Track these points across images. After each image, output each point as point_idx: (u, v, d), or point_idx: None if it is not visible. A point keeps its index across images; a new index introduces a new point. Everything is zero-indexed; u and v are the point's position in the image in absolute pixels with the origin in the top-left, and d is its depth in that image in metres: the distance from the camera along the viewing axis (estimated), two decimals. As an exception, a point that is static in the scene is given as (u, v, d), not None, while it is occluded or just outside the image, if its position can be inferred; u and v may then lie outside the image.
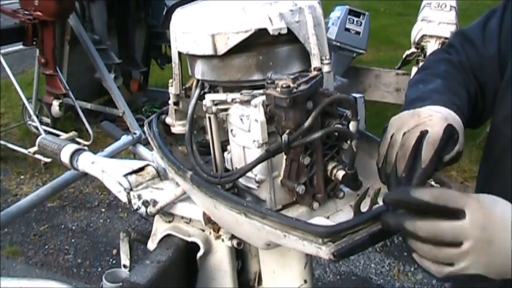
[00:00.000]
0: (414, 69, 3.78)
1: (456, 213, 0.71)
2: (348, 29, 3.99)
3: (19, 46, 4.02)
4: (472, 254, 0.70)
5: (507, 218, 0.72)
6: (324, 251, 0.71)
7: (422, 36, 3.65)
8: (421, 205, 0.71)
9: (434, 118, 0.90)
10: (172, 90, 1.02)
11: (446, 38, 3.54)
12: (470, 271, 0.72)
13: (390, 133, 0.91)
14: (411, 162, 0.85)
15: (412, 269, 3.00)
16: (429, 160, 0.85)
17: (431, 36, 3.61)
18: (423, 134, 0.87)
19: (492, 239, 0.71)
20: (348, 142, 0.85)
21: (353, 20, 4.01)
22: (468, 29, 1.14)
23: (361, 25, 4.03)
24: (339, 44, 3.96)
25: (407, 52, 3.84)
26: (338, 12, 4.04)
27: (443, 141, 0.86)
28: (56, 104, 3.95)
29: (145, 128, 1.09)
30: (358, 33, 4.01)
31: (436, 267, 0.73)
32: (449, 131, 0.88)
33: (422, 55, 3.69)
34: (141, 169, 1.10)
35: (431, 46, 3.58)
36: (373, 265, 3.05)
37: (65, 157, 1.22)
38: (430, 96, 1.01)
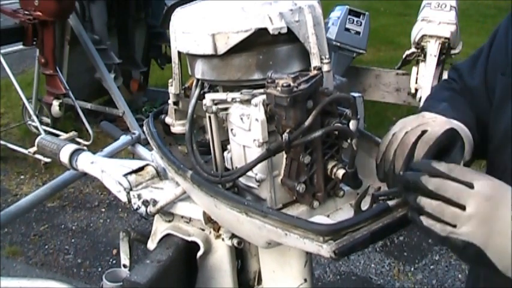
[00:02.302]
0: (414, 69, 3.78)
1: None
2: (348, 29, 3.99)
3: (19, 46, 4.02)
4: (473, 220, 0.72)
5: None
6: (325, 249, 0.72)
7: (423, 36, 3.65)
8: (437, 174, 0.75)
9: (438, 120, 0.90)
10: (172, 90, 1.02)
11: (446, 38, 3.54)
12: (470, 238, 0.72)
13: (392, 132, 0.91)
14: (408, 160, 0.85)
15: (412, 269, 3.00)
16: (420, 159, 0.85)
17: (431, 36, 3.61)
18: (423, 133, 0.87)
19: (495, 211, 0.72)
20: (348, 141, 0.85)
21: (353, 20, 4.01)
22: (460, 63, 1.16)
23: (361, 25, 4.02)
24: (339, 44, 3.96)
25: (407, 52, 3.83)
26: (338, 12, 4.03)
27: (438, 139, 0.86)
28: (56, 104, 3.95)
29: (144, 128, 1.09)
30: (358, 33, 4.01)
31: (441, 225, 0.74)
32: (451, 134, 0.88)
33: (422, 55, 3.69)
34: (141, 169, 1.10)
35: (431, 46, 3.58)
36: (373, 265, 3.05)
37: (64, 157, 1.22)
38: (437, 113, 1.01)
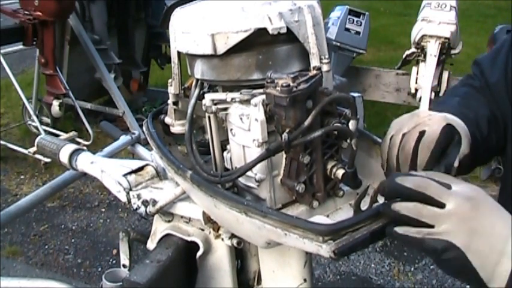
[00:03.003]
0: (414, 69, 3.78)
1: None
2: (348, 29, 3.99)
3: (19, 46, 4.02)
4: (453, 217, 0.69)
5: (495, 205, 0.72)
6: (325, 249, 0.71)
7: (423, 36, 3.64)
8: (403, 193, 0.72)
9: (434, 118, 0.89)
10: (172, 90, 1.02)
11: (446, 38, 3.54)
12: (450, 237, 0.68)
13: (389, 135, 0.91)
14: (413, 167, 0.85)
15: (412, 269, 3.00)
16: (425, 163, 0.84)
17: (431, 36, 3.61)
18: (421, 134, 0.86)
19: (475, 211, 0.69)
20: (348, 141, 0.85)
21: (353, 20, 4.01)
22: (481, 57, 1.14)
23: (361, 25, 4.02)
24: (338, 44, 3.96)
25: (407, 52, 3.83)
26: (338, 12, 4.03)
27: (439, 141, 0.85)
28: (56, 104, 3.95)
29: (144, 128, 1.09)
30: (358, 33, 4.01)
31: (416, 229, 0.70)
32: (449, 131, 0.87)
33: (422, 55, 3.69)
34: (141, 169, 1.10)
35: (431, 46, 3.57)
36: (373, 265, 3.05)
37: (63, 157, 1.22)
38: (440, 108, 1.00)
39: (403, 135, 0.88)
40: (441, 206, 0.70)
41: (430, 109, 1.02)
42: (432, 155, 0.84)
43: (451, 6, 3.66)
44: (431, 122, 0.88)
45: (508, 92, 1.04)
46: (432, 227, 0.70)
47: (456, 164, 0.84)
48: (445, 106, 1.01)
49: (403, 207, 0.71)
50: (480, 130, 1.00)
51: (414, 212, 0.71)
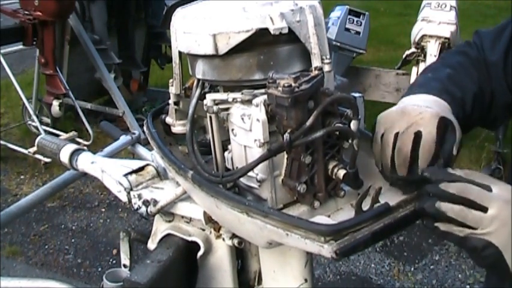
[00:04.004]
0: (414, 69, 3.78)
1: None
2: (348, 29, 3.99)
3: (19, 46, 4.02)
4: (496, 221, 0.74)
5: None
6: (326, 250, 0.72)
7: (423, 36, 3.65)
8: (456, 179, 0.78)
9: (425, 116, 0.88)
10: (173, 90, 1.02)
11: (446, 38, 3.54)
12: (492, 238, 0.74)
13: (379, 133, 0.90)
14: (414, 168, 0.86)
15: (412, 269, 3.00)
16: (428, 162, 0.86)
17: (431, 36, 3.61)
18: (417, 136, 0.86)
19: None
20: (349, 141, 0.85)
21: (353, 20, 4.00)
22: (484, 32, 1.14)
23: (361, 25, 4.02)
24: (339, 44, 3.95)
25: (407, 52, 3.83)
26: (338, 12, 4.03)
27: (438, 144, 0.86)
28: (56, 104, 3.94)
29: (145, 128, 1.09)
30: (358, 33, 4.01)
31: (460, 228, 0.76)
32: (443, 125, 0.87)
33: (422, 55, 3.69)
34: (141, 169, 1.10)
35: (431, 46, 3.58)
36: (373, 265, 3.05)
37: (64, 157, 1.21)
38: (428, 84, 1.01)
39: (396, 134, 0.88)
40: (483, 209, 0.75)
41: (418, 81, 1.03)
42: (434, 156, 0.85)
43: (451, 6, 3.66)
44: (424, 121, 0.88)
45: (506, 76, 1.05)
46: (474, 228, 0.75)
47: (455, 152, 0.87)
48: (434, 83, 1.01)
49: (449, 209, 0.76)
50: (464, 109, 1.01)
51: (461, 215, 0.76)
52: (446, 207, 0.76)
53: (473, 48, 1.12)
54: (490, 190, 0.76)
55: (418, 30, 3.67)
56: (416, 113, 0.89)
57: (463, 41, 1.17)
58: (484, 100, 1.06)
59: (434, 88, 0.98)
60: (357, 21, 4.02)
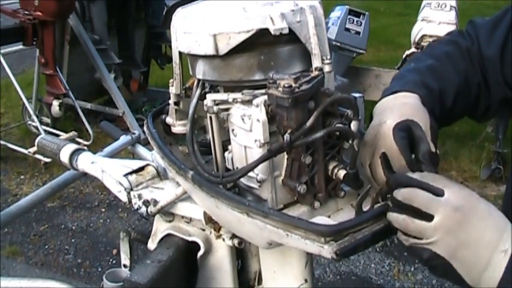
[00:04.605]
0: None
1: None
2: (348, 29, 3.99)
3: (19, 46, 4.02)
4: (440, 230, 0.70)
5: (487, 211, 0.71)
6: (327, 250, 0.72)
7: (422, 36, 3.65)
8: (407, 182, 0.75)
9: (380, 136, 0.86)
10: (173, 90, 1.02)
11: (446, 38, 3.54)
12: (435, 248, 0.71)
13: (360, 160, 0.89)
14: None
15: (412, 269, 3.00)
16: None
17: (431, 36, 3.61)
18: (385, 158, 0.84)
19: (463, 222, 0.70)
20: (349, 141, 0.85)
21: (353, 20, 4.01)
22: (480, 22, 1.10)
23: (361, 25, 4.02)
24: (338, 44, 3.96)
25: (407, 52, 3.83)
26: (338, 12, 4.03)
27: (405, 152, 0.81)
28: (56, 104, 3.94)
29: (145, 128, 1.09)
30: (358, 33, 4.01)
31: (405, 237, 0.74)
32: (403, 128, 0.83)
33: (423, 55, 3.69)
34: (141, 169, 1.10)
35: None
36: (373, 265, 3.05)
37: (64, 157, 1.21)
38: (406, 76, 0.99)
39: (369, 165, 0.88)
40: (428, 218, 0.71)
41: (400, 72, 1.03)
42: (410, 165, 0.81)
43: (451, 6, 3.66)
44: (382, 141, 0.86)
45: (503, 70, 1.02)
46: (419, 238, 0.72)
47: (433, 149, 0.82)
48: (412, 75, 0.99)
49: (394, 219, 0.74)
50: (443, 101, 0.98)
51: (402, 225, 0.73)
52: (391, 216, 0.74)
53: (465, 38, 1.08)
54: (441, 194, 0.71)
55: (418, 30, 3.67)
56: (372, 137, 0.88)
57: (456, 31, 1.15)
58: (470, 92, 1.03)
59: (411, 81, 0.97)
60: (357, 21, 4.03)
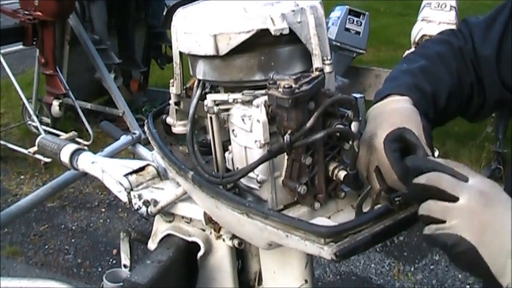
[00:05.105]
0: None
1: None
2: (348, 29, 3.99)
3: (19, 46, 4.02)
4: (465, 211, 0.68)
5: (510, 201, 0.70)
6: (326, 251, 0.71)
7: (422, 36, 3.65)
8: (432, 166, 0.73)
9: (372, 149, 0.85)
10: (174, 90, 1.02)
11: (446, 38, 3.55)
12: (461, 231, 0.67)
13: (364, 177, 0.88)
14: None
15: (412, 269, 3.00)
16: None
17: (431, 36, 3.61)
18: (379, 172, 0.84)
19: (489, 206, 0.68)
20: (350, 142, 0.85)
21: (353, 20, 4.00)
22: (474, 21, 1.08)
23: (361, 25, 4.02)
24: (338, 44, 3.96)
25: (407, 52, 3.83)
26: (338, 12, 4.03)
27: (396, 164, 0.79)
28: (56, 104, 3.94)
29: (145, 128, 1.09)
30: (358, 33, 4.01)
31: (428, 226, 0.71)
32: (394, 139, 0.82)
33: (422, 55, 3.69)
34: (142, 169, 1.10)
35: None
36: (373, 265, 3.05)
37: (64, 157, 1.22)
38: (399, 77, 0.98)
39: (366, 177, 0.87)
40: (454, 199, 0.69)
41: (392, 73, 1.01)
42: (398, 176, 0.80)
43: (451, 6, 3.66)
44: (374, 155, 0.85)
45: (499, 70, 1.01)
46: (444, 222, 0.69)
47: (429, 153, 0.81)
48: (405, 77, 0.98)
49: (421, 208, 0.72)
50: (436, 103, 0.97)
51: (425, 207, 0.71)
52: (422, 207, 0.71)
53: (458, 37, 1.07)
54: (466, 180, 0.70)
55: (418, 30, 3.67)
56: (364, 152, 0.86)
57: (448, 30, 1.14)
58: (463, 92, 1.02)
59: (404, 83, 0.96)
60: (357, 21, 4.03)
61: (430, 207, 0.71)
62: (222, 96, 0.89)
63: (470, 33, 1.06)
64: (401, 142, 0.81)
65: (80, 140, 3.85)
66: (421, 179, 0.72)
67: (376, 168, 0.84)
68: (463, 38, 1.06)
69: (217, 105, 0.88)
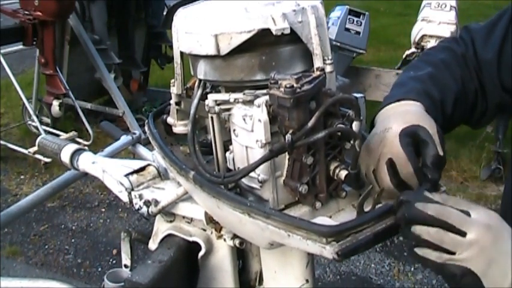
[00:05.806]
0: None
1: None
2: (348, 29, 3.99)
3: (19, 46, 4.02)
4: (475, 246, 0.71)
5: (510, 230, 0.74)
6: (328, 251, 0.71)
7: (422, 36, 3.66)
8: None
9: (387, 143, 0.85)
10: (174, 90, 1.02)
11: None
12: (470, 265, 0.71)
13: (363, 172, 0.88)
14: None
15: (412, 269, 3.00)
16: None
17: (431, 36, 3.62)
18: (391, 165, 0.84)
19: (495, 241, 0.72)
20: (351, 142, 0.85)
21: (353, 20, 4.01)
22: (475, 27, 1.10)
23: (361, 25, 4.02)
24: (339, 44, 3.96)
25: (407, 52, 3.84)
26: (338, 12, 4.03)
27: (413, 159, 0.81)
28: (56, 104, 3.94)
29: (146, 128, 1.09)
30: (358, 33, 4.01)
31: (437, 254, 0.73)
32: (409, 135, 0.83)
33: (422, 55, 3.69)
34: (142, 169, 1.10)
35: (432, 46, 3.58)
36: (373, 265, 3.05)
37: (65, 157, 1.21)
38: (408, 83, 0.99)
39: (373, 171, 0.87)
40: (462, 234, 0.72)
41: (400, 79, 1.02)
42: (414, 170, 0.82)
43: (451, 6, 3.67)
44: (388, 148, 0.85)
45: (500, 74, 1.02)
46: (452, 253, 0.72)
47: (441, 153, 0.82)
48: (414, 83, 0.98)
49: (424, 232, 0.73)
50: (444, 110, 0.99)
51: (436, 237, 0.72)
52: (421, 230, 0.73)
53: (460, 45, 1.08)
54: (468, 215, 0.73)
55: (418, 30, 3.68)
56: (377, 143, 0.87)
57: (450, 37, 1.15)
58: (467, 99, 1.03)
59: (413, 89, 0.97)
60: (357, 21, 4.03)
61: (442, 238, 0.72)
62: (223, 96, 0.89)
63: (471, 39, 1.07)
64: (415, 139, 0.83)
65: (80, 140, 3.85)
66: (429, 210, 0.73)
67: (388, 161, 0.84)
68: (465, 45, 1.07)
69: (218, 105, 0.88)
